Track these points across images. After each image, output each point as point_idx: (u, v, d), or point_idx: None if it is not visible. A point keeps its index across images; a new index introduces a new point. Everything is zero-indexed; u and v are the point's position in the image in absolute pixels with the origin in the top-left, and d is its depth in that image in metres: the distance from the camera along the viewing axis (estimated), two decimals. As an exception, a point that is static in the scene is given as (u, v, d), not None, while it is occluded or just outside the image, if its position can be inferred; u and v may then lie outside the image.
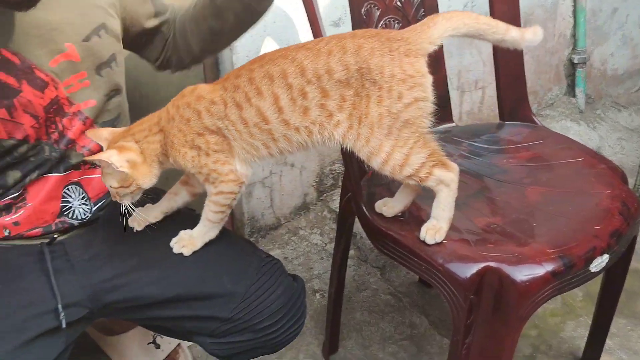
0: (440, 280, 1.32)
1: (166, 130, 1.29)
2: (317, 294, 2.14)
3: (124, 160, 1.26)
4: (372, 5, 1.57)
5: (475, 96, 2.77)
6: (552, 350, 1.92)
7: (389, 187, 1.52)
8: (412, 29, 1.27)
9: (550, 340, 1.95)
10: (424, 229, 1.34)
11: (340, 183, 2.53)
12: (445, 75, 1.72)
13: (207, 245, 1.40)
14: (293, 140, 1.27)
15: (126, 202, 1.31)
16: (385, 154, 1.25)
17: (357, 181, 1.49)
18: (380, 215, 1.44)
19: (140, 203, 1.37)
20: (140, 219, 1.41)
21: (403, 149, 1.24)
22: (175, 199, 1.44)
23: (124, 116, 1.51)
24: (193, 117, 1.27)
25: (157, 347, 1.88)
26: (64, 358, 1.35)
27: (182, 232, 1.40)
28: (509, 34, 1.30)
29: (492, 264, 1.29)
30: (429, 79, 1.24)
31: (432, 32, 1.25)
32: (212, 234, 1.39)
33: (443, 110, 1.72)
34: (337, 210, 2.40)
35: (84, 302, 1.35)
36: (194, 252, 1.39)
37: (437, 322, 2.03)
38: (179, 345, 1.92)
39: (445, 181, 1.28)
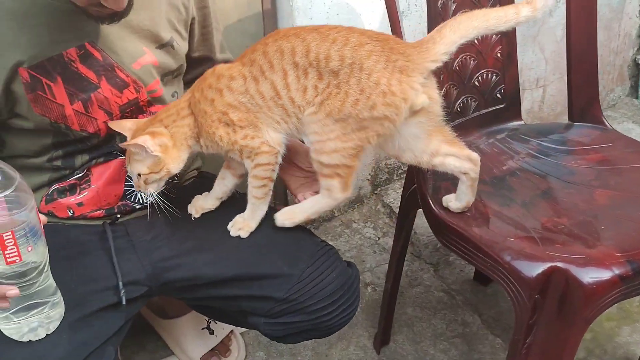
0: (505, 278, 1.31)
1: (195, 114, 1.32)
2: (369, 287, 2.14)
3: (156, 144, 1.28)
4: (448, -3, 1.57)
5: (536, 94, 2.74)
6: (606, 355, 1.88)
7: (455, 182, 1.51)
8: (418, 45, 1.24)
9: (605, 345, 1.91)
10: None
11: (395, 177, 2.53)
12: (517, 72, 1.70)
13: (264, 230, 1.41)
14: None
15: (152, 190, 1.34)
16: (326, 140, 1.25)
17: (424, 174, 1.47)
18: (447, 210, 1.43)
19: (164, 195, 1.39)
20: (198, 206, 1.44)
21: (338, 143, 1.24)
22: (224, 183, 1.45)
23: None
24: (216, 97, 1.29)
25: (211, 332, 1.90)
26: (122, 333, 1.38)
27: (237, 216, 1.42)
28: (521, 14, 1.24)
29: (559, 264, 1.27)
30: (407, 105, 1.21)
31: (438, 48, 1.23)
32: (262, 211, 1.40)
33: (513, 107, 1.71)
34: (391, 204, 2.41)
35: (143, 280, 1.38)
36: (252, 235, 1.40)
37: (490, 322, 2.01)
38: (231, 331, 1.93)
39: (331, 189, 1.31)
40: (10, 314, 1.13)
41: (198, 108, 1.31)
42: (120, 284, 1.33)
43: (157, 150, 1.28)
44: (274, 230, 1.40)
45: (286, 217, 1.39)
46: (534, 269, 1.28)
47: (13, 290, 1.08)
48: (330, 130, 1.24)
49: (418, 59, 1.22)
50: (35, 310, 1.16)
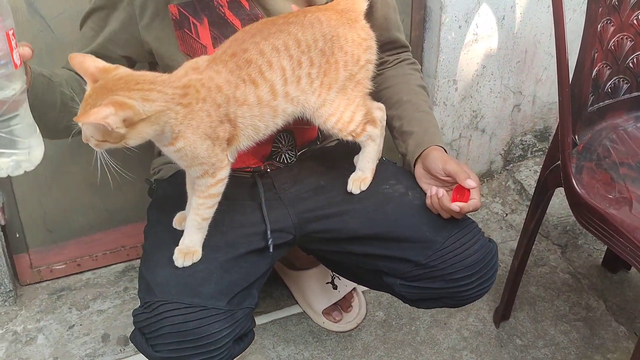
0: (644, 265, 1.29)
1: (193, 109, 1.17)
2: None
3: (120, 120, 1.08)
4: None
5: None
6: None
7: (600, 163, 1.49)
8: None
9: None
10: (350, 180, 1.44)
11: (529, 155, 2.50)
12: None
13: (410, 196, 1.44)
14: (287, 114, 1.29)
15: (103, 150, 1.16)
16: (340, 113, 1.33)
17: (569, 152, 1.46)
18: (589, 190, 1.42)
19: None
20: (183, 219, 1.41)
21: (351, 107, 1.34)
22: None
23: None
24: (224, 104, 1.20)
25: (335, 287, 1.96)
26: (265, 278, 1.47)
27: (179, 248, 1.35)
28: None
29: (703, 256, 1.24)
30: (374, 42, 1.36)
31: None
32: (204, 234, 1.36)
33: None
34: (522, 181, 2.39)
35: (289, 228, 1.45)
36: (400, 198, 1.44)
37: (615, 309, 1.97)
38: (354, 289, 1.99)
39: (373, 136, 1.39)
40: None
41: (200, 106, 1.18)
42: (269, 231, 1.41)
43: (120, 127, 1.09)
44: (421, 199, 1.43)
45: (358, 183, 1.44)
46: (676, 258, 1.26)
47: None
48: (337, 105, 1.32)
49: (354, 5, 1.35)
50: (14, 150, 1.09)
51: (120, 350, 1.85)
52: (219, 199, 1.30)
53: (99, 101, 1.08)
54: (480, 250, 1.39)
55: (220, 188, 1.29)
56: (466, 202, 1.33)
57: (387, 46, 1.57)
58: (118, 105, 1.07)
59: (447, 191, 1.38)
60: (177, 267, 1.31)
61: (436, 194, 1.37)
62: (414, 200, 1.44)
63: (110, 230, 2.09)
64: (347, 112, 1.33)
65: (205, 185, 1.27)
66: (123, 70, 1.15)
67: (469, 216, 1.45)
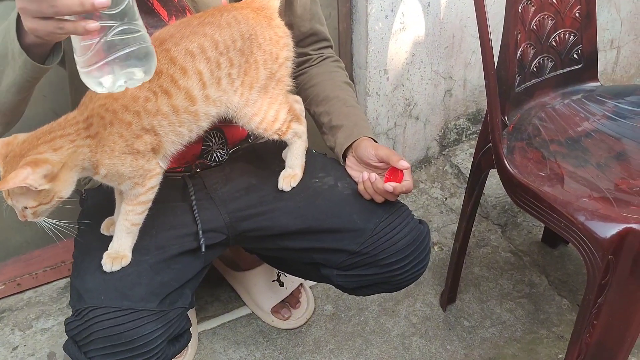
0: (578, 238, 1.32)
1: (101, 136, 1.17)
2: (436, 247, 2.16)
3: (41, 177, 1.09)
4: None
5: (610, 56, 2.68)
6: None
7: (531, 142, 1.52)
8: None
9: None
10: (280, 178, 1.45)
11: (463, 138, 2.53)
12: (595, 32, 1.68)
13: (339, 187, 1.45)
14: (210, 116, 1.28)
15: (43, 218, 1.17)
16: (263, 112, 1.33)
17: (499, 134, 1.48)
18: (522, 169, 1.44)
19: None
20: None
21: (274, 106, 1.34)
22: None
23: None
24: (134, 120, 1.18)
25: (281, 284, 1.96)
26: (199, 278, 1.46)
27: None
28: None
29: (634, 225, 1.27)
30: (290, 39, 1.36)
31: None
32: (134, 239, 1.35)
33: (590, 68, 1.70)
34: (459, 165, 2.42)
35: (221, 228, 1.45)
36: (328, 191, 1.45)
37: (557, 283, 2.01)
38: (301, 284, 1.99)
39: (299, 133, 1.41)
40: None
41: (109, 131, 1.17)
42: (200, 231, 1.40)
43: (43, 185, 1.10)
44: (350, 188, 1.44)
45: (288, 180, 1.45)
46: (608, 230, 1.28)
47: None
48: (260, 104, 1.32)
49: (267, 3, 1.34)
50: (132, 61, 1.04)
51: (67, 368, 1.81)
52: (149, 205, 1.30)
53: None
54: (411, 233, 1.40)
55: (151, 195, 1.29)
56: (400, 182, 1.35)
57: (308, 39, 1.57)
58: (33, 164, 1.07)
59: (379, 176, 1.40)
60: (106, 272, 1.29)
61: (369, 179, 1.38)
62: (343, 190, 1.45)
63: (48, 247, 2.04)
64: (271, 111, 1.34)
65: (134, 195, 1.27)
66: (22, 135, 1.14)
67: (399, 200, 1.46)
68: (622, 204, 1.33)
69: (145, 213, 1.31)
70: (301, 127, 1.41)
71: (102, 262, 1.29)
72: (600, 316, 1.36)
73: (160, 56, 1.16)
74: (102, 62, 0.98)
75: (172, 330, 1.33)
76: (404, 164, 1.36)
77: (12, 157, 1.11)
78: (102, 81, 1.01)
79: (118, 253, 1.30)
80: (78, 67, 0.99)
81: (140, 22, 1.00)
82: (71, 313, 1.32)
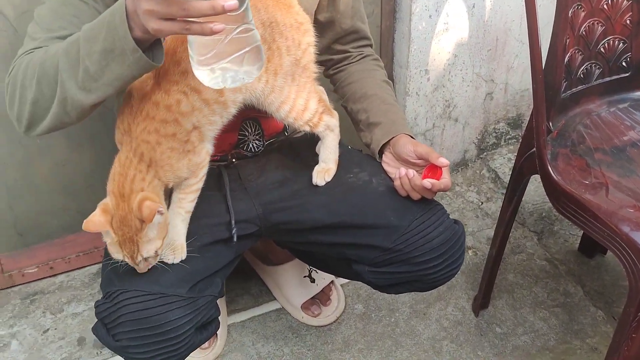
0: (621, 249, 1.29)
1: (156, 159, 1.21)
2: (470, 251, 2.14)
3: (158, 204, 1.18)
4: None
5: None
6: None
7: (575, 149, 1.49)
8: None
9: None
10: (314, 173, 1.44)
11: (502, 143, 2.50)
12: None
13: (374, 184, 1.44)
14: (237, 102, 1.29)
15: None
16: (292, 100, 1.32)
17: (544, 139, 1.46)
18: (565, 176, 1.42)
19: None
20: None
21: (303, 94, 1.33)
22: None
23: None
24: (177, 129, 1.21)
25: (312, 281, 1.95)
26: (230, 268, 1.47)
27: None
28: None
29: (680, 238, 1.25)
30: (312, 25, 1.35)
31: None
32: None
33: (638, 76, 1.67)
34: (497, 169, 2.39)
35: (253, 219, 1.45)
36: (364, 186, 1.44)
37: (592, 294, 1.98)
38: (332, 282, 1.98)
39: (331, 126, 1.40)
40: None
41: (160, 150, 1.21)
42: (233, 221, 1.40)
43: (164, 208, 1.21)
44: (386, 184, 1.43)
45: (322, 174, 1.44)
46: (654, 242, 1.26)
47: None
48: (288, 92, 1.31)
49: None
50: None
51: (97, 353, 1.82)
52: (199, 192, 1.33)
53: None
54: (446, 232, 1.38)
55: (201, 184, 1.32)
56: (438, 180, 1.34)
57: (349, 37, 1.56)
58: (144, 198, 1.16)
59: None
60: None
61: (406, 175, 1.36)
62: (378, 187, 1.44)
63: (82, 232, 2.03)
64: (300, 100, 1.33)
65: (188, 185, 1.31)
66: (107, 199, 1.21)
67: (435, 199, 1.44)
68: (668, 216, 1.31)
69: (196, 200, 1.33)
70: (333, 120, 1.40)
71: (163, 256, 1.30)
72: (640, 330, 1.33)
73: (184, 56, 1.18)
74: (222, 62, 1.02)
75: (201, 317, 1.33)
76: (443, 161, 1.34)
77: (118, 219, 1.17)
78: (219, 79, 1.04)
79: (174, 242, 1.32)
80: (193, 62, 1.03)
81: (252, 19, 1.03)
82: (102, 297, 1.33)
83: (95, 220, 1.17)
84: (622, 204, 1.35)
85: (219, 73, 1.03)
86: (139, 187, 1.18)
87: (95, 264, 2.10)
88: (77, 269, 2.10)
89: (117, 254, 1.21)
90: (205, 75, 1.03)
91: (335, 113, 1.41)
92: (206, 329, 1.40)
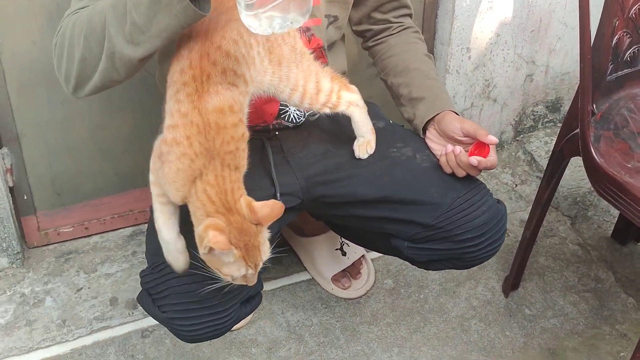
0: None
1: (240, 163, 1.16)
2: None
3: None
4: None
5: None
6: None
7: (618, 132, 1.48)
8: None
9: None
10: (355, 147, 1.42)
11: (539, 126, 2.48)
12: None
13: (418, 159, 1.44)
14: (250, 93, 1.23)
15: None
16: (302, 86, 1.27)
17: (588, 120, 1.45)
18: (607, 159, 1.41)
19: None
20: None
21: (312, 78, 1.28)
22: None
23: (340, 48, 1.59)
24: (243, 128, 1.16)
25: (344, 254, 1.96)
26: (274, 240, 1.45)
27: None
28: None
29: None
30: None
31: None
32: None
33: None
34: (533, 152, 2.37)
35: (297, 192, 1.45)
36: (408, 162, 1.43)
37: (624, 281, 1.97)
38: (363, 256, 1.99)
39: (354, 102, 1.35)
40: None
41: (239, 155, 1.15)
42: (278, 194, 1.40)
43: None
44: (431, 162, 1.43)
45: (364, 147, 1.42)
46: (696, 229, 1.25)
47: None
48: (295, 79, 1.26)
49: None
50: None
51: (129, 313, 1.85)
52: None
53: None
54: (489, 210, 1.38)
55: None
56: (485, 157, 1.33)
57: (389, 4, 1.55)
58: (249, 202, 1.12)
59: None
60: (183, 228, 1.28)
61: (452, 151, 1.36)
62: (422, 162, 1.43)
63: (118, 195, 2.08)
64: (310, 84, 1.29)
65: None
66: (213, 220, 1.11)
67: (478, 179, 1.44)
68: None
69: None
70: (354, 95, 1.36)
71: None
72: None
73: (216, 54, 1.14)
74: (269, 7, 0.99)
75: (246, 291, 1.34)
76: (492, 138, 1.34)
77: (236, 233, 1.11)
78: (266, 25, 1.02)
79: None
80: (240, 8, 1.00)
81: None
82: (146, 265, 1.35)
83: (221, 240, 1.08)
84: (665, 190, 1.34)
85: (265, 21, 1.01)
86: (238, 195, 1.13)
87: (129, 226, 2.12)
88: (111, 230, 2.12)
89: (237, 271, 1.13)
90: (252, 20, 1.01)
91: (354, 87, 1.38)
92: (250, 303, 1.42)
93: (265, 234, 1.15)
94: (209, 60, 1.12)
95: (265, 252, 1.15)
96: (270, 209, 1.11)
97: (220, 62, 1.12)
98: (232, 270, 1.12)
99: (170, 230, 1.22)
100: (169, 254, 1.24)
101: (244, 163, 1.16)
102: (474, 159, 1.32)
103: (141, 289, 1.35)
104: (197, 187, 1.11)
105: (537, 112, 2.45)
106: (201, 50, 1.12)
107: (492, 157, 1.34)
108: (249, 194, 1.37)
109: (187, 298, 1.26)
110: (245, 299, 1.36)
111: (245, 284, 1.16)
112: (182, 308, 1.27)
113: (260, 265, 1.15)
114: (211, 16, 1.12)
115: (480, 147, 1.35)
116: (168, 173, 1.12)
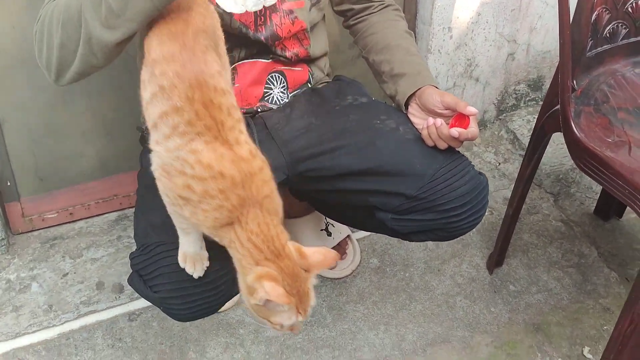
0: (642, 206, 1.30)
1: (277, 205, 1.13)
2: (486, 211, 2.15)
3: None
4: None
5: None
6: None
7: (599, 107, 1.49)
8: None
9: None
10: None
11: (522, 104, 2.50)
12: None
13: (401, 131, 1.45)
14: None
15: None
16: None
17: (569, 95, 1.46)
18: (588, 134, 1.42)
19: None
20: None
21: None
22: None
23: (321, 29, 1.59)
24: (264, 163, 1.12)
25: (329, 234, 1.97)
26: None
27: None
28: None
29: (702, 198, 1.25)
30: None
31: None
32: None
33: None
34: (515, 131, 2.39)
35: (282, 168, 1.45)
36: (390, 134, 1.44)
37: (607, 255, 1.99)
38: (348, 236, 2.00)
39: None
40: None
41: (275, 195, 1.12)
42: None
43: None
44: (414, 134, 1.44)
45: None
46: (675, 201, 1.26)
47: None
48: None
49: None
50: None
51: (116, 297, 1.85)
52: None
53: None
54: (471, 181, 1.39)
55: None
56: (466, 129, 1.34)
57: None
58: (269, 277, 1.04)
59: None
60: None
61: (434, 124, 1.37)
62: (405, 134, 1.44)
63: (102, 179, 2.08)
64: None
65: None
66: (265, 269, 1.05)
67: (460, 151, 1.45)
68: (691, 176, 1.31)
69: None
70: None
71: None
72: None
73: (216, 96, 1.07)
74: None
75: None
76: (471, 109, 1.35)
77: (289, 279, 1.05)
78: (240, 2, 1.01)
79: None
80: None
81: None
82: (134, 250, 1.35)
83: (281, 294, 1.02)
84: (644, 163, 1.35)
85: None
86: (284, 239, 1.07)
87: (114, 211, 2.12)
88: (97, 215, 2.12)
89: (288, 320, 1.08)
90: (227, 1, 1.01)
91: None
92: None
93: (313, 280, 1.09)
94: (214, 107, 1.06)
95: (313, 298, 1.09)
96: (324, 256, 1.08)
97: (224, 103, 1.08)
98: (283, 319, 1.07)
99: (196, 247, 1.23)
100: (189, 261, 1.23)
101: (280, 204, 1.12)
102: (455, 131, 1.33)
103: (131, 271, 1.35)
104: (240, 235, 1.06)
105: (519, 90, 2.46)
106: (204, 99, 1.06)
107: (473, 128, 1.35)
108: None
109: (178, 277, 1.26)
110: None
111: (291, 332, 1.13)
112: (174, 287, 1.27)
113: (310, 312, 1.10)
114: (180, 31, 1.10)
115: (460, 119, 1.36)
116: (203, 221, 1.07)
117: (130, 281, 1.36)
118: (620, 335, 1.45)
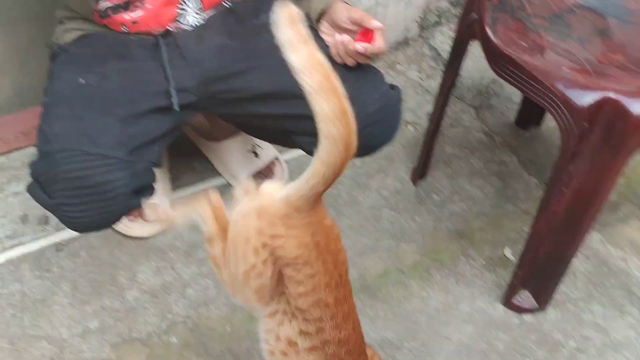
0: (556, 106, 1.34)
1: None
2: (410, 126, 2.18)
3: None
4: None
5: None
6: (637, 199, 1.95)
7: (514, 14, 1.51)
8: None
9: (637, 189, 1.97)
10: None
11: (443, 21, 2.51)
12: None
13: None
14: None
15: None
16: None
17: (484, 4, 1.48)
18: (504, 40, 1.45)
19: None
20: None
21: None
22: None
23: None
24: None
25: (256, 155, 1.97)
26: (169, 139, 1.46)
27: None
28: None
29: (611, 94, 1.30)
30: None
31: None
32: None
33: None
34: (438, 48, 2.41)
35: (193, 89, 1.44)
36: None
37: (526, 163, 2.06)
38: (276, 158, 2.00)
39: None
40: None
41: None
42: (172, 89, 1.39)
43: None
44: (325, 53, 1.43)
45: None
46: (586, 98, 1.31)
47: None
48: None
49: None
50: None
51: (41, 229, 1.82)
52: None
53: None
54: (381, 98, 1.41)
55: None
56: (370, 43, 1.34)
57: None
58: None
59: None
60: (75, 119, 1.29)
61: (341, 41, 1.36)
62: None
63: (20, 113, 2.01)
64: None
65: None
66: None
67: (373, 65, 1.45)
68: (601, 75, 1.36)
69: None
70: None
71: None
72: (571, 183, 1.40)
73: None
74: None
75: (138, 182, 1.34)
76: (375, 23, 1.34)
77: None
78: None
79: None
80: None
81: None
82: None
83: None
84: (558, 65, 1.39)
85: None
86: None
87: (34, 144, 2.06)
88: (16, 149, 2.06)
89: None
90: None
91: None
92: (142, 194, 1.41)
93: None
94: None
95: None
96: None
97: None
98: None
99: None
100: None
101: None
102: (359, 46, 1.33)
103: (31, 179, 1.34)
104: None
105: (441, 7, 2.47)
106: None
107: (379, 42, 1.34)
108: (142, 87, 1.37)
109: (77, 184, 1.26)
110: (137, 189, 1.36)
111: None
112: (71, 194, 1.27)
113: None
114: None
115: (367, 33, 1.35)
116: None
117: (29, 189, 1.34)
118: (537, 234, 1.52)
